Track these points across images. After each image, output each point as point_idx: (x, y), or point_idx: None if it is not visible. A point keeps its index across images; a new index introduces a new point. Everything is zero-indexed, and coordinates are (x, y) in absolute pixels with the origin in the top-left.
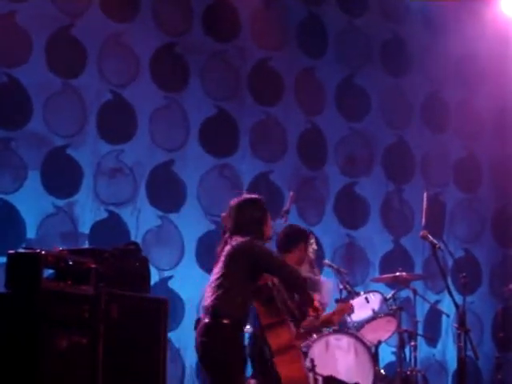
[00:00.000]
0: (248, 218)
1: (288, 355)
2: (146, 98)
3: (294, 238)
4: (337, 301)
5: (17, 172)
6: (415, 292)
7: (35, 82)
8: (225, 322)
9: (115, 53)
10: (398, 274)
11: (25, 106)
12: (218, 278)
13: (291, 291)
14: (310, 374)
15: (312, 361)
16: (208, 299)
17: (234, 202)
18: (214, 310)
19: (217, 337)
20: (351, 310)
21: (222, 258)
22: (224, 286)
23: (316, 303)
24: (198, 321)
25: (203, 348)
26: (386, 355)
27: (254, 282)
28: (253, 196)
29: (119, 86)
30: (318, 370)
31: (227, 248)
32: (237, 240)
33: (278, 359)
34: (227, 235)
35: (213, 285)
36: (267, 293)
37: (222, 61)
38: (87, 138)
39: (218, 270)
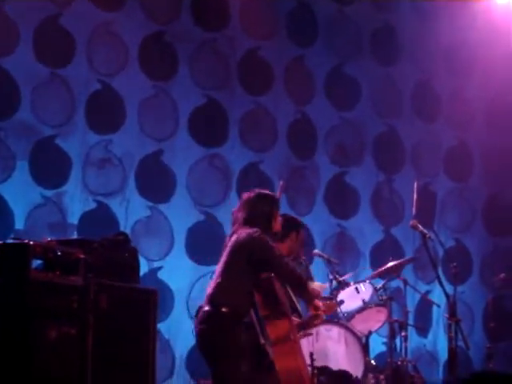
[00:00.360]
0: (258, 212)
1: (285, 346)
2: (135, 88)
3: (286, 227)
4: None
5: (5, 162)
6: (406, 282)
7: (23, 72)
8: (224, 310)
9: (104, 42)
10: (390, 264)
11: (13, 95)
12: (221, 267)
13: (290, 288)
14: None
15: (311, 355)
16: (210, 287)
17: (245, 195)
18: (214, 298)
19: (215, 325)
20: (334, 310)
21: (228, 248)
22: (225, 275)
23: (317, 302)
24: (200, 308)
25: (201, 335)
26: (377, 345)
27: (256, 274)
28: (265, 191)
29: (108, 76)
30: (309, 361)
31: (233, 238)
32: (243, 231)
33: (275, 350)
34: (236, 226)
35: (216, 273)
36: (268, 284)
37: (212, 50)
38: (76, 128)
39: (222, 259)
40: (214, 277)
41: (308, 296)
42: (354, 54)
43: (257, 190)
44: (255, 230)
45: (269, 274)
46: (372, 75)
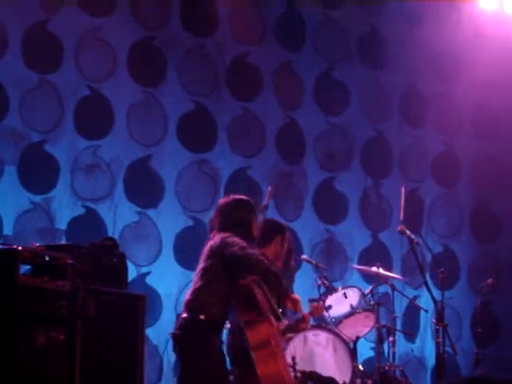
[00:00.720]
0: (235, 219)
1: (266, 351)
2: (124, 93)
3: (270, 231)
4: (310, 300)
5: None
6: (393, 287)
7: (12, 78)
8: (201, 317)
9: (92, 48)
10: (376, 269)
11: (1, 101)
12: (197, 274)
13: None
14: (291, 371)
15: (293, 358)
16: (188, 294)
17: (221, 201)
18: (192, 305)
19: (191, 331)
20: (321, 312)
21: (203, 255)
22: (202, 281)
23: (294, 295)
24: (178, 316)
25: (177, 342)
26: (365, 351)
27: (233, 278)
28: (241, 197)
29: (96, 81)
30: (296, 366)
31: (211, 242)
32: (218, 237)
33: (255, 355)
34: (213, 233)
35: (193, 280)
36: (247, 289)
37: (200, 55)
38: (64, 134)
39: (199, 266)
40: (192, 283)
41: (285, 292)
42: (342, 59)
43: (232, 196)
44: (228, 234)
45: (247, 278)
46: (360, 80)
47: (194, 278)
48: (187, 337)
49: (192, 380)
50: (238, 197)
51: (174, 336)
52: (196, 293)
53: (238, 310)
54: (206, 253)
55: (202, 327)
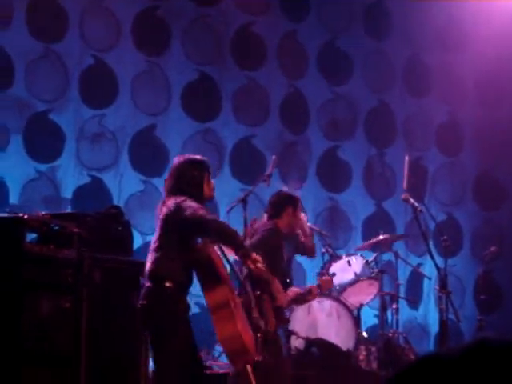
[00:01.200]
0: (188, 178)
1: (224, 313)
2: (128, 63)
3: (281, 203)
4: (319, 274)
5: None
6: (397, 255)
7: (17, 47)
8: (167, 285)
9: (97, 17)
10: (380, 237)
11: (7, 70)
12: (155, 242)
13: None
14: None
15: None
16: (148, 263)
17: (175, 161)
18: (155, 273)
19: (158, 300)
20: (331, 285)
21: (159, 222)
22: (162, 249)
23: (255, 255)
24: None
25: (143, 312)
26: (368, 318)
27: (190, 241)
28: (194, 156)
29: (101, 51)
30: (301, 333)
31: (163, 210)
32: (171, 202)
33: (214, 317)
34: (166, 195)
35: (153, 247)
36: (204, 252)
37: (205, 25)
38: (69, 103)
39: (156, 233)
40: (151, 250)
41: (246, 252)
42: (346, 29)
43: (186, 155)
44: (182, 198)
45: (203, 241)
46: (364, 50)
47: (152, 245)
48: (156, 307)
49: (168, 350)
50: (191, 156)
51: (142, 307)
52: (158, 261)
53: (196, 273)
54: (162, 220)
55: (170, 294)
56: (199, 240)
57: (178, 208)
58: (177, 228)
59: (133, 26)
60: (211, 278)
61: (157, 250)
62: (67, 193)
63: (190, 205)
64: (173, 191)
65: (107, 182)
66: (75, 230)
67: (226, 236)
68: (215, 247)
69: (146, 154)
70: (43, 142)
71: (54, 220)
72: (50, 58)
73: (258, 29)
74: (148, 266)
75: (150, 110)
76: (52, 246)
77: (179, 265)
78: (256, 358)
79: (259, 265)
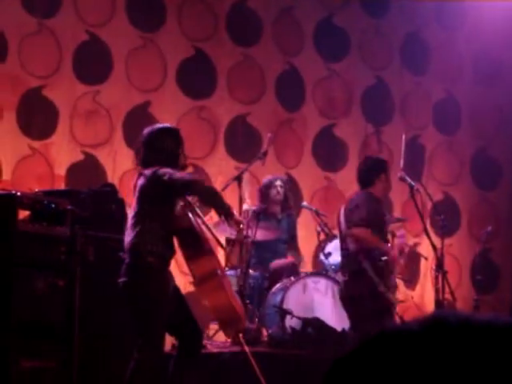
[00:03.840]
0: (161, 148)
1: (213, 282)
2: (123, 38)
3: (374, 170)
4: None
5: None
6: (393, 234)
7: (10, 23)
8: (149, 260)
9: None
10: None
11: (0, 46)
12: (134, 216)
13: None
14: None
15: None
16: (128, 238)
17: (146, 132)
18: (136, 249)
19: (141, 276)
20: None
21: (136, 194)
22: (141, 222)
23: (238, 217)
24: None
25: (126, 289)
26: None
27: (171, 211)
28: (166, 125)
29: (95, 26)
30: (295, 312)
31: (140, 182)
32: (146, 173)
33: (203, 288)
34: (140, 167)
35: (131, 222)
36: (185, 222)
37: (200, 1)
38: (63, 79)
39: (133, 206)
40: (130, 225)
41: (228, 210)
42: (343, 5)
43: (158, 125)
44: (155, 168)
45: (181, 209)
46: (361, 27)
47: (130, 220)
48: (140, 283)
49: (153, 324)
50: (162, 125)
51: (124, 284)
52: (138, 235)
53: (179, 243)
54: (139, 192)
55: (152, 269)
56: (178, 208)
57: (153, 178)
58: (154, 199)
59: (127, 2)
60: (195, 246)
61: (136, 223)
62: (61, 170)
63: (165, 171)
64: (147, 162)
65: (101, 159)
66: (68, 207)
67: (212, 195)
68: (191, 215)
69: (140, 131)
70: (36, 118)
71: (46, 197)
72: (43, 33)
73: (253, 4)
74: (128, 240)
75: (144, 86)
76: (45, 223)
77: (161, 237)
78: (246, 325)
79: (242, 226)
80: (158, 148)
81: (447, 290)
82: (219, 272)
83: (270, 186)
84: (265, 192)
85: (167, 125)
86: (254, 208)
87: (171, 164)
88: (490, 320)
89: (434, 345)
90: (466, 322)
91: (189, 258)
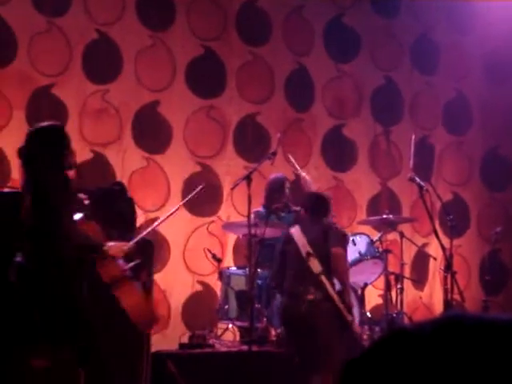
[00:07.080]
0: (43, 147)
1: (125, 284)
2: (132, 37)
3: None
4: None
5: (1, 112)
6: (402, 235)
7: (20, 21)
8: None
9: None
10: (384, 216)
11: (9, 44)
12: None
13: None
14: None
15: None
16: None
17: (28, 130)
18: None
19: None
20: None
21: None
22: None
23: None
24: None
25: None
26: (373, 298)
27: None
28: (49, 123)
29: (105, 25)
30: None
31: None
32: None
33: (117, 291)
34: (24, 167)
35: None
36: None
37: (210, 0)
38: (72, 78)
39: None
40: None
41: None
42: (353, 5)
43: (38, 124)
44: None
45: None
46: (372, 27)
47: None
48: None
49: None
50: (46, 123)
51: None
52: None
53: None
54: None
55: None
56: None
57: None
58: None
59: (137, 1)
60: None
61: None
62: None
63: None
64: (30, 161)
65: (110, 158)
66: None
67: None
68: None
69: (149, 130)
70: (46, 116)
71: None
72: (53, 31)
73: (263, 3)
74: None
75: (153, 85)
76: None
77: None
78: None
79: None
80: (39, 146)
81: (456, 290)
82: (127, 273)
83: (282, 185)
84: (278, 190)
85: (51, 123)
86: (259, 209)
87: (56, 163)
88: (503, 319)
89: (451, 345)
90: (480, 321)
91: (96, 265)
